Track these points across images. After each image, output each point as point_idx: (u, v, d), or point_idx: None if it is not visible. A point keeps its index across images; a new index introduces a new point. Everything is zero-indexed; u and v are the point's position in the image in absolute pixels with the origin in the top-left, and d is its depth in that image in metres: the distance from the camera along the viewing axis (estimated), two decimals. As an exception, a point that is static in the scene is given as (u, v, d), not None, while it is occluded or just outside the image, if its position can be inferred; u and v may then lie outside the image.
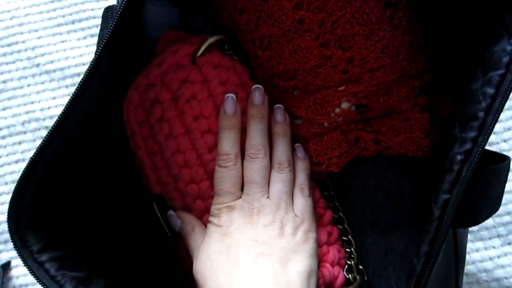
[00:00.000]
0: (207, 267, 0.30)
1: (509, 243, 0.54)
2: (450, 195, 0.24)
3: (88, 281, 0.26)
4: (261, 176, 0.32)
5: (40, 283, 0.24)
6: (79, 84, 0.24)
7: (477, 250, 0.54)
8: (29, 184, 0.24)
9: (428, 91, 0.36)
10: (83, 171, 0.30)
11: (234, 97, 0.33)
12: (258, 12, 0.34)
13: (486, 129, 0.23)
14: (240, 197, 0.32)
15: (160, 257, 0.35)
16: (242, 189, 0.32)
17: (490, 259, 0.53)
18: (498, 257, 0.53)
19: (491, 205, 0.29)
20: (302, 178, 0.34)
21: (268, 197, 0.32)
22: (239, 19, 0.34)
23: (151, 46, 0.37)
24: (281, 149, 0.34)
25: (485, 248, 0.54)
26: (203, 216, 0.34)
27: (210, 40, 0.35)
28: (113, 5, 0.30)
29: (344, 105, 0.34)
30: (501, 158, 0.28)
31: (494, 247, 0.54)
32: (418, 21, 0.34)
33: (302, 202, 0.33)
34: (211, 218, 0.32)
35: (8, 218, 0.24)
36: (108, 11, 0.28)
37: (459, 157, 0.24)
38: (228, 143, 0.33)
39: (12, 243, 0.24)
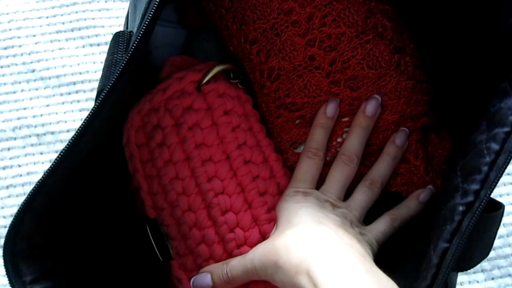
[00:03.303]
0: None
1: (492, 278, 0.55)
2: (449, 244, 0.24)
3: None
4: (346, 182, 0.34)
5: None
6: (92, 110, 0.24)
7: (461, 284, 0.55)
8: (29, 213, 0.24)
9: (425, 129, 0.36)
10: (81, 198, 0.29)
11: (338, 101, 0.35)
12: (270, 44, 0.34)
13: (489, 184, 0.24)
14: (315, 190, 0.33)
15: (153, 283, 0.35)
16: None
17: (473, 293, 0.54)
18: (481, 291, 0.54)
19: (484, 251, 0.30)
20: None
21: (344, 201, 0.34)
22: (249, 49, 0.34)
23: (154, 65, 0.37)
24: (381, 168, 0.34)
25: (469, 282, 0.55)
26: (199, 244, 0.33)
27: (217, 69, 0.35)
28: (123, 30, 0.30)
29: (346, 136, 0.35)
30: (496, 205, 0.29)
31: (477, 282, 0.55)
32: (424, 63, 0.35)
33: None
34: (287, 197, 0.33)
35: (4, 247, 0.23)
36: (119, 36, 0.28)
37: (461, 208, 0.25)
38: (320, 140, 0.34)
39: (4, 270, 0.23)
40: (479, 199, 0.24)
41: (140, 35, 0.24)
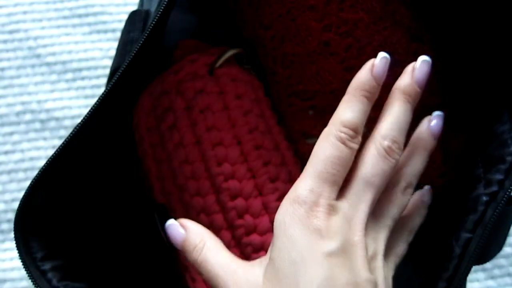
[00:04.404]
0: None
1: (492, 277, 0.54)
2: (472, 235, 0.24)
3: (88, 293, 0.25)
4: (385, 181, 0.24)
5: (42, 294, 0.23)
6: (107, 88, 0.23)
7: (462, 282, 0.54)
8: (41, 187, 0.23)
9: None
10: (92, 175, 0.29)
11: (389, 58, 0.25)
12: (285, 29, 0.33)
13: (514, 173, 0.24)
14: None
15: (159, 271, 0.34)
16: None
17: (473, 292, 0.54)
18: (481, 290, 0.54)
19: (499, 244, 0.30)
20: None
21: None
22: (264, 35, 0.34)
23: (165, 50, 0.36)
24: (416, 165, 0.25)
25: (470, 281, 0.55)
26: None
27: (230, 52, 0.34)
28: (140, 9, 0.29)
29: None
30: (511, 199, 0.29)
31: (478, 280, 0.55)
32: (439, 55, 0.34)
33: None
34: (285, 211, 0.23)
35: (15, 222, 0.23)
36: (135, 15, 0.27)
37: (484, 198, 0.24)
38: (360, 115, 0.24)
39: (14, 248, 0.23)
40: (503, 189, 0.24)
41: (160, 11, 0.24)
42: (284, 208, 0.23)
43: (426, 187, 0.28)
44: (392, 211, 0.24)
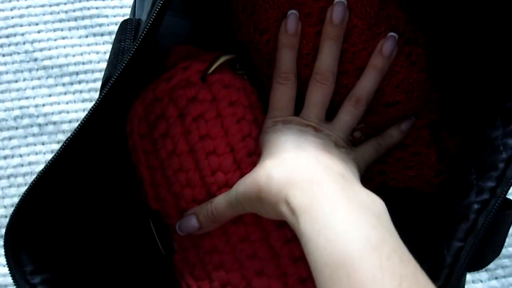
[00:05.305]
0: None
1: (496, 278, 0.54)
2: (464, 244, 0.24)
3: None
4: (324, 102, 0.33)
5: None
6: (99, 98, 0.23)
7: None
8: (31, 202, 0.23)
9: (436, 127, 0.36)
10: (85, 189, 0.29)
11: (297, 14, 0.32)
12: None
13: (506, 181, 0.23)
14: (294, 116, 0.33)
15: (154, 279, 0.34)
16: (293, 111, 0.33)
17: (477, 292, 0.54)
18: (485, 291, 0.54)
19: (495, 250, 0.29)
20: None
21: (328, 121, 0.33)
22: (258, 39, 0.34)
23: (159, 53, 0.36)
24: (367, 84, 0.32)
25: (473, 281, 0.54)
26: (202, 238, 0.33)
27: (222, 58, 0.34)
28: (131, 18, 0.29)
29: (357, 134, 0.34)
30: (509, 203, 0.28)
31: (481, 281, 0.54)
32: (434, 58, 0.34)
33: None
34: (267, 129, 0.33)
35: (5, 236, 0.23)
36: (127, 24, 0.27)
37: (475, 206, 0.24)
38: (288, 62, 0.33)
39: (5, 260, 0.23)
40: (495, 197, 0.24)
41: (150, 22, 0.24)
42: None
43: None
44: (344, 118, 0.33)
